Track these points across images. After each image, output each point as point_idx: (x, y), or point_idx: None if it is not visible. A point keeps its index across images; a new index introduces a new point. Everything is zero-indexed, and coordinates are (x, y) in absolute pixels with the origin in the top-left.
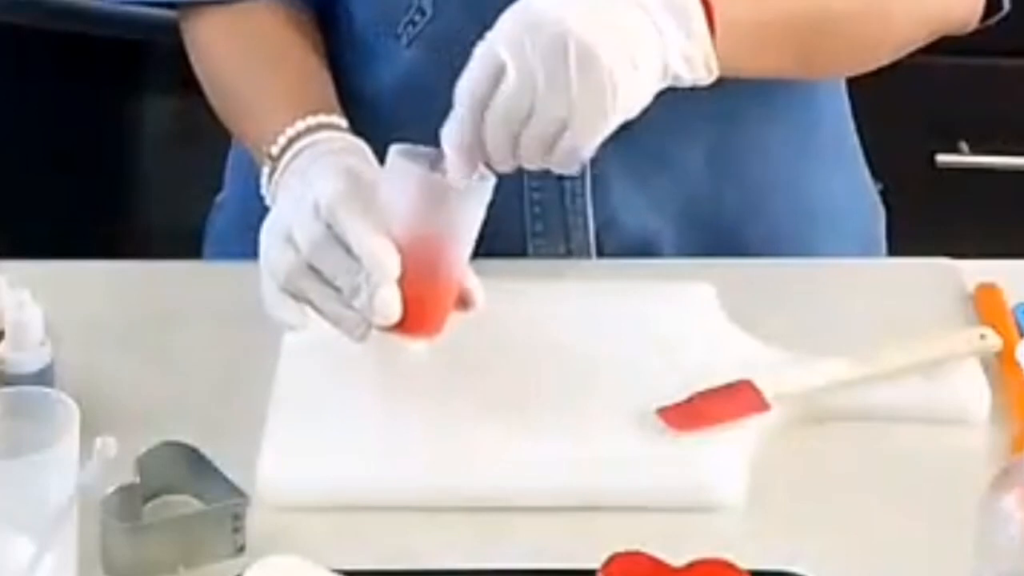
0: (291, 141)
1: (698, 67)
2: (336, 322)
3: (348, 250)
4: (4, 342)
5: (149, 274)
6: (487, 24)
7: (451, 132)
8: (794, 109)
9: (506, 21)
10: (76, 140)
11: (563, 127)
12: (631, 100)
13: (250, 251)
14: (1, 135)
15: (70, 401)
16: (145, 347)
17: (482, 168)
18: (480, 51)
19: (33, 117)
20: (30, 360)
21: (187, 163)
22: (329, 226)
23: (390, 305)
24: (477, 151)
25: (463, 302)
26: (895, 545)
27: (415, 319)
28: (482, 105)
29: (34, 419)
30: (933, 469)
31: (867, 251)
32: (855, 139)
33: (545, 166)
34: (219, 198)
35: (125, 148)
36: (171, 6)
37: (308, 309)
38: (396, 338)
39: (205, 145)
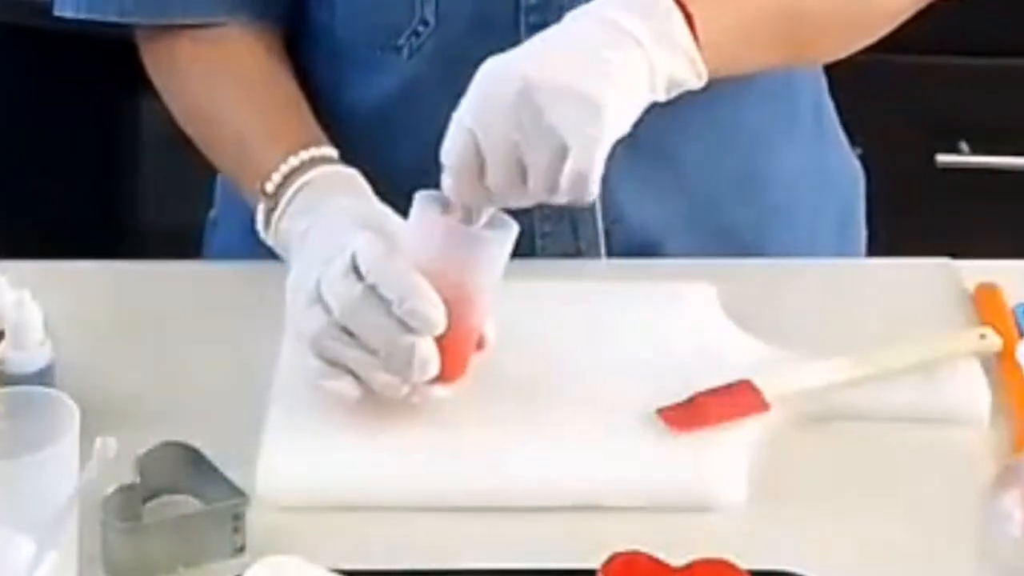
0: (286, 178)
1: (686, 76)
2: (375, 385)
3: (385, 310)
4: (4, 342)
5: (149, 274)
6: (491, 33)
7: (452, 191)
8: (776, 90)
9: (470, 91)
10: (75, 140)
11: (561, 162)
12: (618, 118)
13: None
14: (1, 134)
15: (70, 401)
16: (145, 347)
17: (505, 218)
18: (451, 128)
19: (32, 117)
20: (30, 360)
21: (186, 163)
22: (369, 285)
23: (429, 362)
24: (484, 202)
25: (478, 343)
26: (895, 545)
27: (444, 368)
28: (473, 175)
29: (34, 419)
30: (933, 469)
31: (845, 221)
32: (832, 109)
33: (559, 200)
34: (212, 214)
35: (124, 148)
36: (135, 26)
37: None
38: (422, 388)
39: None
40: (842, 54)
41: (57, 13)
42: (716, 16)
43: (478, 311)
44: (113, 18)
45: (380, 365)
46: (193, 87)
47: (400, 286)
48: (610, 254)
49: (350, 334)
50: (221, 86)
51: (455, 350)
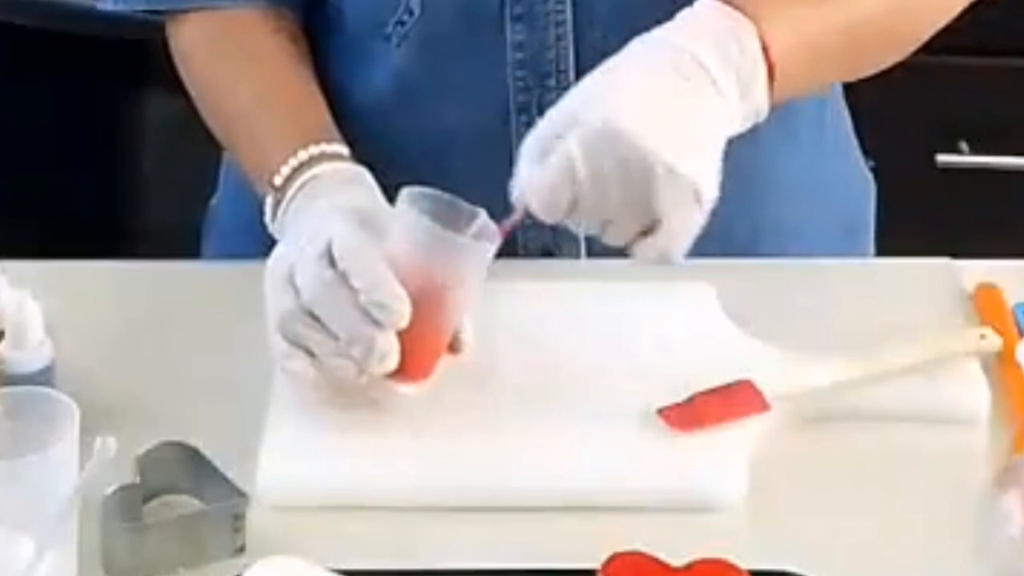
0: (294, 172)
1: (746, 126)
2: (332, 370)
3: (352, 298)
4: (4, 342)
5: (149, 274)
6: (475, 24)
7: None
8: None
9: (583, 131)
10: (77, 140)
11: (649, 232)
12: (712, 188)
13: (252, 252)
14: (1, 134)
15: (70, 401)
16: (145, 347)
17: (491, 228)
18: (556, 162)
19: (33, 117)
20: (30, 360)
21: (186, 163)
22: (339, 271)
23: (388, 355)
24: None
25: (452, 346)
26: (895, 545)
27: (409, 367)
28: (562, 214)
29: (34, 419)
30: (933, 469)
31: (852, 231)
32: (845, 120)
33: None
34: (214, 200)
35: (126, 147)
36: (155, 12)
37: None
38: (385, 382)
39: (206, 144)
40: (887, 64)
41: (100, 7)
42: (788, 56)
43: (449, 314)
44: (142, 6)
45: (340, 351)
46: (209, 72)
47: (370, 277)
48: (590, 252)
49: (316, 318)
50: (235, 73)
51: (420, 349)
